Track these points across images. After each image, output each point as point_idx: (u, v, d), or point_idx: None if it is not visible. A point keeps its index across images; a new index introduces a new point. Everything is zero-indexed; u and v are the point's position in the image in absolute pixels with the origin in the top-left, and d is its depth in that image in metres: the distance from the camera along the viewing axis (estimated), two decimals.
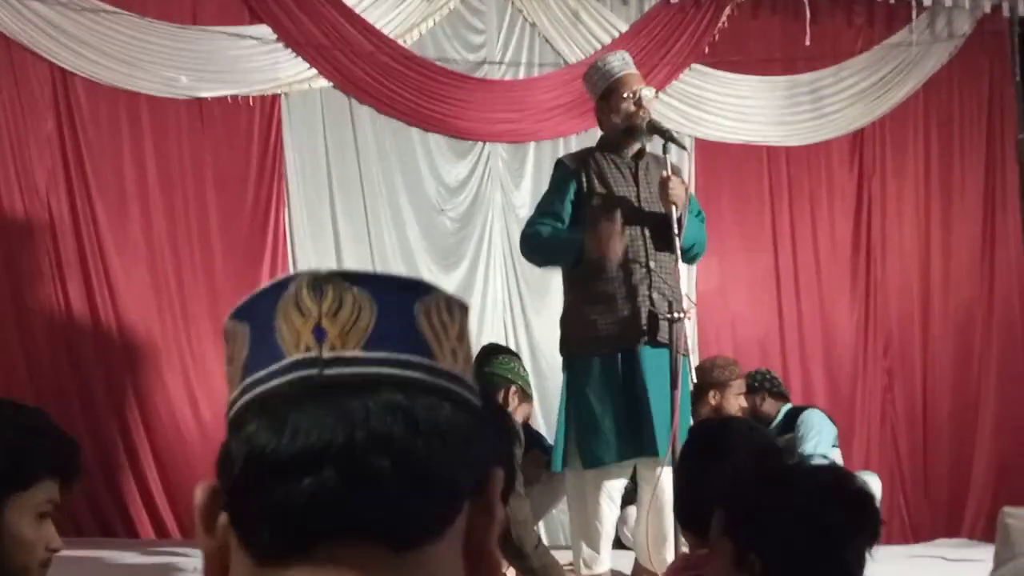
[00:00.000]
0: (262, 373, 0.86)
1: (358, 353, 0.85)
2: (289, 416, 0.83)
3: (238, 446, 0.85)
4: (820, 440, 5.57)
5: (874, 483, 5.57)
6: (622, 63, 4.65)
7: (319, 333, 0.85)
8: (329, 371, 0.84)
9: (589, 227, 4.45)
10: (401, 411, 0.84)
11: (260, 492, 0.83)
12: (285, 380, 0.85)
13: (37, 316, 5.53)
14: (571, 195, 4.56)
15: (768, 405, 5.80)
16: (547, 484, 5.18)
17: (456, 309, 0.90)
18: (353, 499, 0.82)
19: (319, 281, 0.86)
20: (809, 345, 6.94)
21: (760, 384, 5.82)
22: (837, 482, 1.98)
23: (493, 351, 5.15)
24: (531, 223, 4.64)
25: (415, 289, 0.89)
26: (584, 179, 4.56)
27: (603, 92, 4.63)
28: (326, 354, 0.85)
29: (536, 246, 4.62)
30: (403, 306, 0.87)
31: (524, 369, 5.17)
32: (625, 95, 4.56)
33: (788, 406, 5.88)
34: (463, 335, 0.90)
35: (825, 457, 5.31)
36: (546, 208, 4.62)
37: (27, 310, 5.51)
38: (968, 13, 7.18)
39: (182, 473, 5.63)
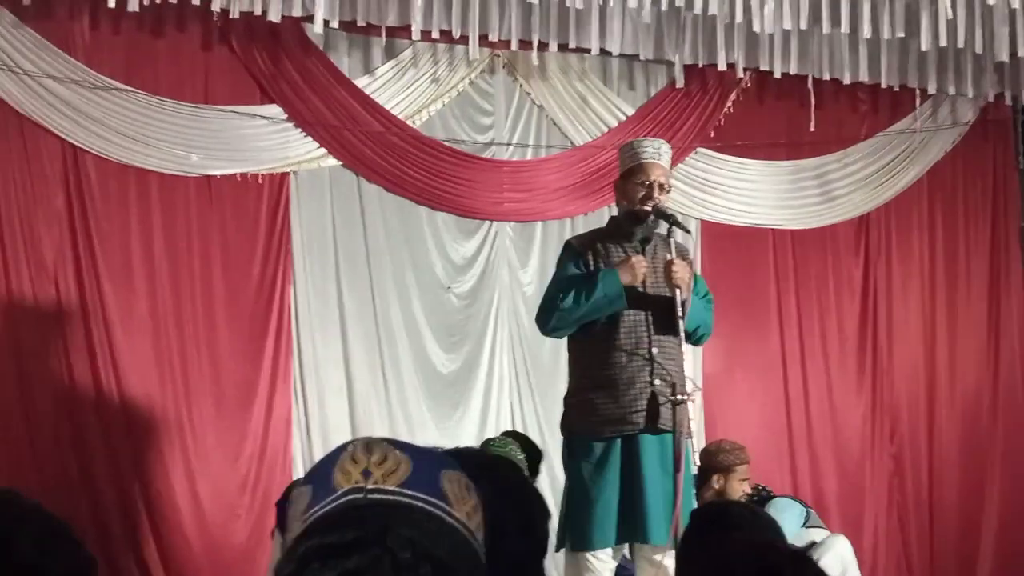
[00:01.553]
0: (318, 506, 1.10)
1: (395, 488, 1.09)
2: (336, 521, 1.06)
3: (295, 550, 1.07)
4: (784, 526, 5.53)
5: (840, 545, 5.53)
6: (653, 151, 4.68)
7: (366, 473, 1.10)
8: (372, 496, 1.08)
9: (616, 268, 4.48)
10: (424, 525, 1.06)
11: (306, 574, 1.03)
12: (336, 504, 1.08)
13: (42, 391, 5.50)
14: (581, 277, 4.58)
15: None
16: None
17: (473, 491, 1.15)
18: None
19: (370, 443, 1.13)
20: (817, 430, 6.91)
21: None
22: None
23: (489, 439, 5.24)
24: (551, 297, 4.59)
25: (443, 461, 1.15)
26: (591, 262, 4.60)
27: (625, 172, 4.69)
28: (370, 485, 1.09)
29: (567, 308, 4.50)
30: (432, 469, 1.13)
31: (520, 452, 5.20)
32: (641, 181, 4.60)
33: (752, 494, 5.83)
34: (477, 509, 1.14)
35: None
36: (560, 285, 4.60)
37: (32, 385, 5.49)
38: (971, 101, 7.26)
39: (180, 550, 5.59)
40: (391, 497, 1.08)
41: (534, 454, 5.37)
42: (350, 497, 1.08)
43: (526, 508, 1.82)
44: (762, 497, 5.74)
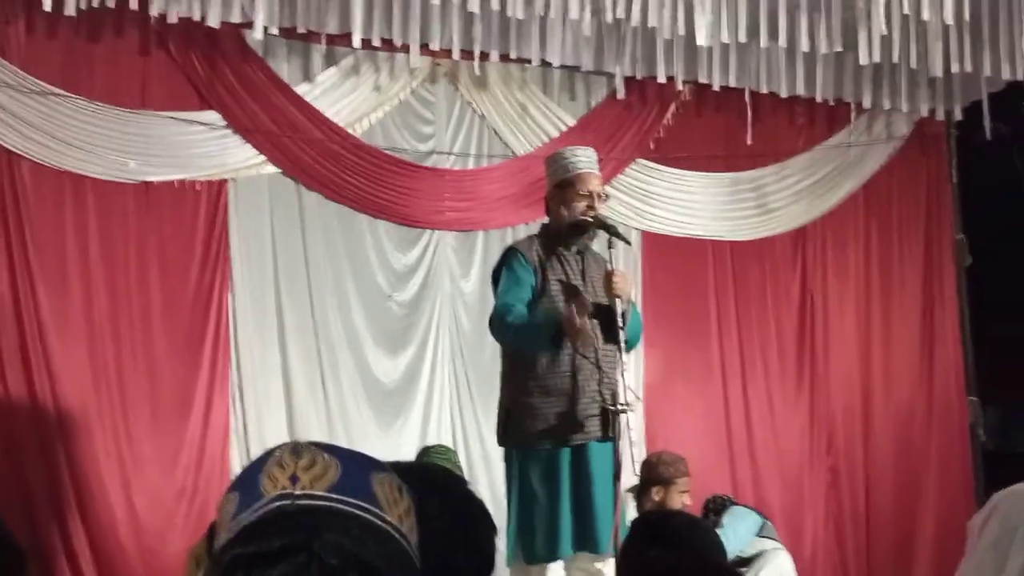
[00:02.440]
0: (245, 513, 1.07)
1: (324, 493, 1.07)
2: (263, 529, 1.04)
3: (221, 559, 1.05)
4: (736, 532, 5.60)
5: (782, 559, 5.59)
6: (587, 161, 4.68)
7: (294, 479, 1.08)
8: (300, 502, 1.06)
9: (564, 313, 4.41)
10: (353, 530, 1.04)
11: None
12: (264, 511, 1.06)
13: None
14: (532, 282, 4.56)
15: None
16: None
17: (406, 493, 1.13)
18: None
19: (298, 447, 1.11)
20: (757, 441, 6.95)
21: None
22: None
23: (428, 447, 5.21)
24: (506, 307, 4.51)
25: (374, 463, 1.13)
26: (540, 268, 4.58)
27: (560, 182, 4.66)
28: (298, 491, 1.07)
29: (514, 328, 4.47)
30: (363, 472, 1.11)
31: (459, 459, 5.20)
32: (582, 192, 4.60)
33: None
34: (410, 512, 1.12)
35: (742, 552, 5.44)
36: (515, 294, 4.55)
37: None
38: (906, 116, 7.37)
39: (115, 558, 5.52)
40: (319, 503, 1.06)
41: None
42: (277, 504, 1.06)
43: (473, 525, 1.81)
44: (720, 504, 5.78)
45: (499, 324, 4.52)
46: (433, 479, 1.85)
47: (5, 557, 2.01)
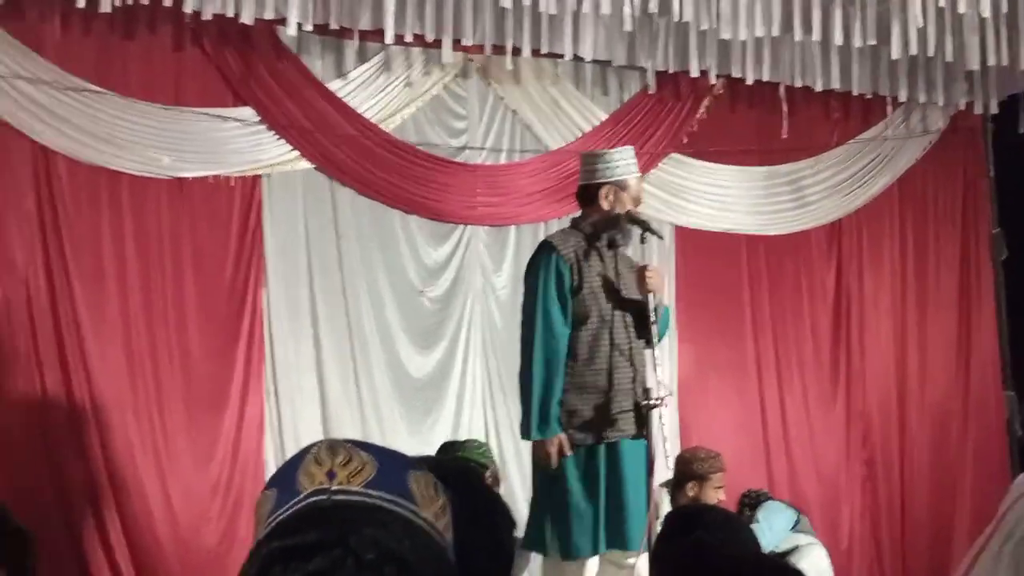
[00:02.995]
0: (283, 509, 1.08)
1: (360, 488, 1.08)
2: (299, 524, 1.05)
3: (259, 552, 1.05)
4: (771, 527, 5.59)
5: (816, 554, 5.57)
6: (636, 166, 4.79)
7: (331, 475, 1.09)
8: (336, 497, 1.07)
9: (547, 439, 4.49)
10: (389, 525, 1.05)
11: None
12: (300, 506, 1.07)
13: (11, 394, 5.45)
14: (568, 283, 4.56)
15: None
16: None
17: (441, 490, 1.13)
18: None
19: (335, 445, 1.12)
20: (793, 436, 6.92)
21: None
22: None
23: (460, 441, 5.21)
24: (552, 326, 4.55)
25: (410, 461, 1.15)
26: (576, 267, 4.59)
27: (619, 181, 4.65)
28: (334, 487, 1.08)
29: (526, 376, 4.60)
30: (398, 470, 1.12)
31: (492, 453, 5.20)
32: (634, 195, 4.65)
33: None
34: (446, 510, 1.13)
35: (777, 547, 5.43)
36: (557, 310, 4.57)
37: (1, 388, 5.45)
38: (942, 109, 7.31)
39: (151, 552, 5.56)
40: (355, 498, 1.07)
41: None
42: (314, 499, 1.07)
43: (496, 528, 1.81)
44: (756, 499, 5.77)
45: (537, 339, 4.57)
46: (455, 478, 1.85)
47: (6, 537, 2.05)
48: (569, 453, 4.43)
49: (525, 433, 4.55)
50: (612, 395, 4.43)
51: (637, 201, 4.69)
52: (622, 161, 4.68)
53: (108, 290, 5.71)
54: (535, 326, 4.53)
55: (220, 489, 5.77)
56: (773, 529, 5.56)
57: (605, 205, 4.64)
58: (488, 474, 4.90)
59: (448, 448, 5.25)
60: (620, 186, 4.64)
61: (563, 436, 4.45)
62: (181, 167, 5.88)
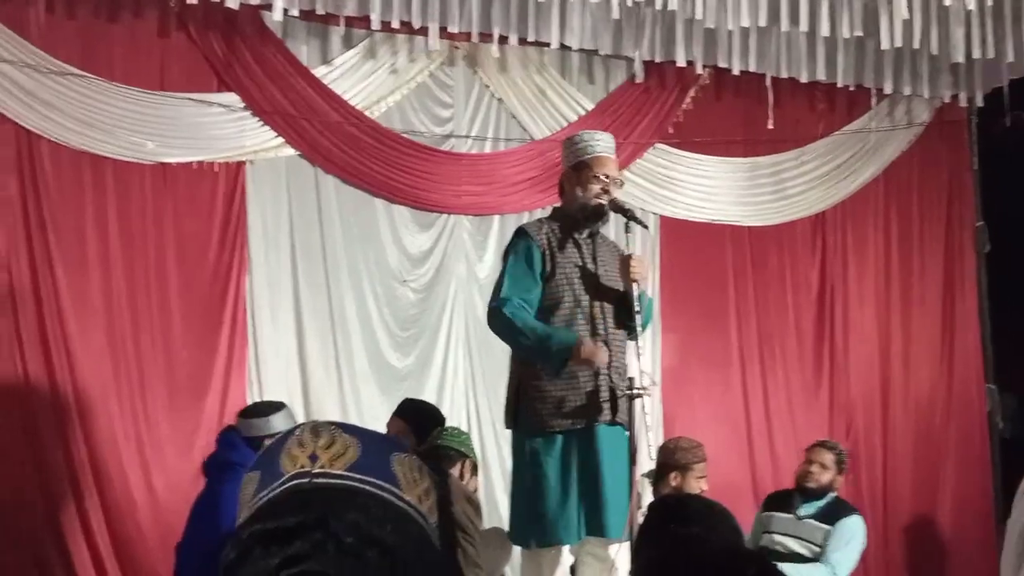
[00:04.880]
0: (265, 491, 1.08)
1: (342, 472, 1.07)
2: (280, 507, 1.04)
3: (239, 536, 1.05)
4: (848, 554, 5.58)
5: (856, 523, 5.61)
6: (605, 145, 4.63)
7: (313, 458, 1.08)
8: (317, 480, 1.06)
9: (577, 338, 4.34)
10: (371, 509, 1.04)
11: (248, 561, 1.02)
12: (282, 489, 1.07)
13: None
14: (539, 269, 4.52)
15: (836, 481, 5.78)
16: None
17: (426, 472, 1.12)
18: (320, 562, 1.00)
19: (318, 427, 1.12)
20: (776, 426, 6.94)
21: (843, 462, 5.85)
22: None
23: (441, 427, 5.16)
24: (507, 302, 4.42)
25: (393, 444, 1.14)
26: (549, 253, 4.55)
27: (576, 163, 4.62)
28: (316, 470, 1.07)
29: (518, 335, 4.40)
30: (382, 452, 1.11)
31: (471, 441, 5.18)
32: (597, 175, 4.56)
33: (834, 495, 5.83)
34: (430, 492, 1.12)
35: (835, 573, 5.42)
36: (519, 285, 4.47)
37: None
38: (927, 102, 7.32)
39: (133, 540, 5.55)
40: (337, 481, 1.06)
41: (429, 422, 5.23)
42: (295, 482, 1.07)
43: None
44: (842, 504, 5.78)
45: (501, 322, 4.43)
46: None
47: None
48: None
49: (560, 362, 4.39)
50: (586, 381, 4.40)
51: (608, 180, 4.52)
52: (577, 145, 4.64)
53: (91, 275, 5.69)
54: (502, 306, 4.44)
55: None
56: (841, 565, 5.59)
57: (576, 192, 4.61)
58: (467, 464, 4.89)
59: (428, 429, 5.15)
60: (577, 170, 4.60)
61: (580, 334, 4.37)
62: (165, 152, 5.86)
